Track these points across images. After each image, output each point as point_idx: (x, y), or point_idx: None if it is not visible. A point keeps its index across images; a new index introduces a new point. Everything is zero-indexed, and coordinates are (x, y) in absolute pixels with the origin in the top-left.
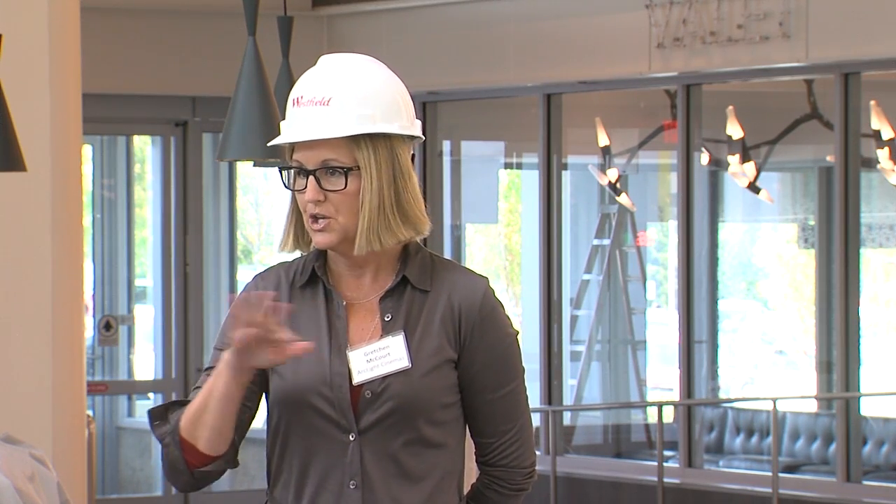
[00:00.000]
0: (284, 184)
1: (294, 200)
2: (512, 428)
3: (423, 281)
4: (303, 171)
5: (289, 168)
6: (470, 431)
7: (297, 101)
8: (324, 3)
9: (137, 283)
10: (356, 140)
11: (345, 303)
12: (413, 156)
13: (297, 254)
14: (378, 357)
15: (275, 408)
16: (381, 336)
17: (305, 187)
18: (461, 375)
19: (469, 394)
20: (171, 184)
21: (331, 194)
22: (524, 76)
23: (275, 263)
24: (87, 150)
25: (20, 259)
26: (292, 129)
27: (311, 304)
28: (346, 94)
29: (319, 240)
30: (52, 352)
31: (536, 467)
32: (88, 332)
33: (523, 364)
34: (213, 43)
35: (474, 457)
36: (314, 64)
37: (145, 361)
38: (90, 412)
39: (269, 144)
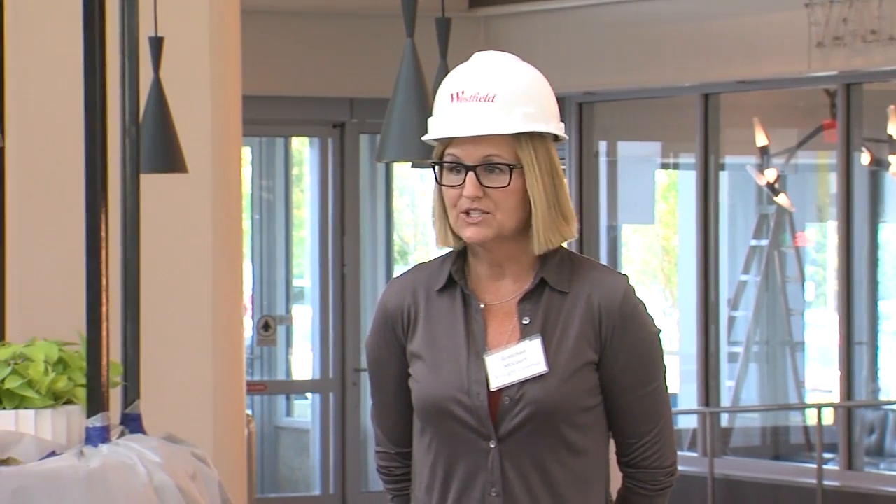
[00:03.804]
0: (437, 179)
1: (440, 197)
2: (653, 428)
3: (561, 282)
4: (460, 167)
5: (441, 163)
6: (611, 432)
7: (458, 96)
8: (480, 4)
9: (295, 283)
10: (518, 138)
11: (482, 306)
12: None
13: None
14: (515, 362)
15: (417, 412)
16: (519, 340)
17: (462, 183)
18: (602, 376)
19: (610, 395)
20: (328, 185)
21: (490, 191)
22: (681, 76)
23: (411, 266)
24: (246, 152)
25: (182, 260)
26: (452, 124)
27: (449, 309)
28: (510, 91)
29: (472, 234)
30: (213, 352)
31: (679, 466)
32: (247, 332)
33: (665, 363)
34: (371, 44)
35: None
36: None
37: (303, 361)
38: (249, 412)
39: (428, 137)
